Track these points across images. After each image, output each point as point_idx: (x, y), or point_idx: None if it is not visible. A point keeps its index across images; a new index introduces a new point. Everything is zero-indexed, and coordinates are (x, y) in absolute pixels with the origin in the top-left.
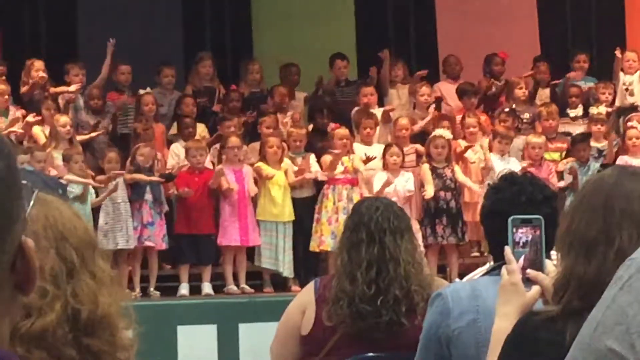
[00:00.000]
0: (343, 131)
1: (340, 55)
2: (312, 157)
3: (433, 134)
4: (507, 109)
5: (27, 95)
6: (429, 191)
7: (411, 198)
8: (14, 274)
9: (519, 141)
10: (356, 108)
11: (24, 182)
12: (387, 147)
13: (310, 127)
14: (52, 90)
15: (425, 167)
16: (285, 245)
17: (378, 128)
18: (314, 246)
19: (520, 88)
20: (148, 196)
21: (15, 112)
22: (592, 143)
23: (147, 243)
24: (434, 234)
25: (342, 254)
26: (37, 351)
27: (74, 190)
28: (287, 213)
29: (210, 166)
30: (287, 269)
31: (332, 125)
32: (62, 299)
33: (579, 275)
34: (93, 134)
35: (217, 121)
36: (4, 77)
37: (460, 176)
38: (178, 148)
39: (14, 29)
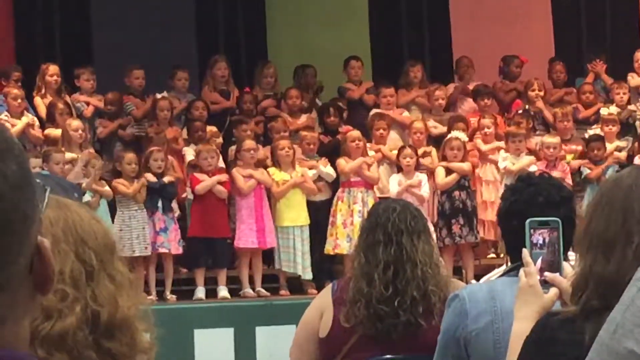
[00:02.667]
0: (355, 133)
1: (355, 57)
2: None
3: (449, 136)
4: (520, 111)
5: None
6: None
7: (423, 200)
8: (32, 274)
9: (533, 142)
10: (373, 111)
11: (37, 181)
12: (401, 148)
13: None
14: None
15: (440, 168)
16: (303, 249)
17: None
18: (329, 249)
19: (534, 90)
20: (159, 203)
21: (31, 117)
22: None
23: (161, 250)
24: (451, 234)
25: (359, 256)
26: (57, 353)
27: (85, 196)
28: (303, 217)
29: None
30: (306, 272)
31: (343, 128)
32: (82, 301)
33: (597, 275)
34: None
35: (230, 124)
36: (19, 83)
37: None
38: (190, 152)
39: (28, 34)
